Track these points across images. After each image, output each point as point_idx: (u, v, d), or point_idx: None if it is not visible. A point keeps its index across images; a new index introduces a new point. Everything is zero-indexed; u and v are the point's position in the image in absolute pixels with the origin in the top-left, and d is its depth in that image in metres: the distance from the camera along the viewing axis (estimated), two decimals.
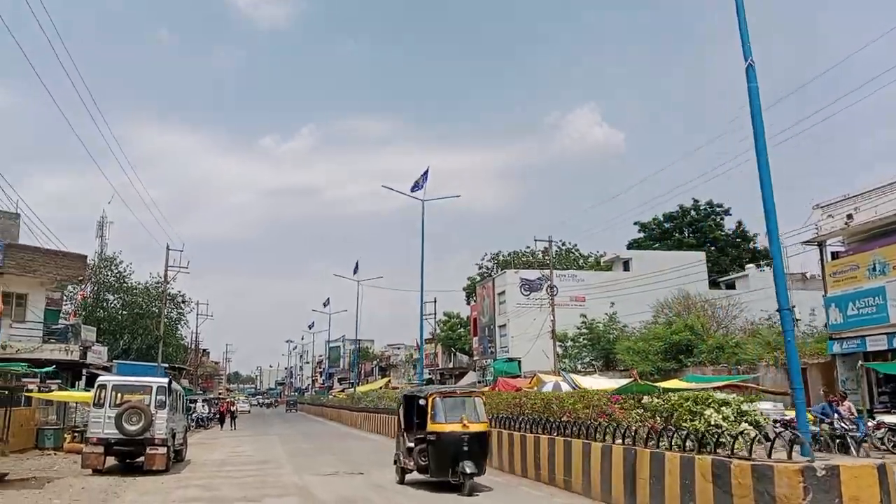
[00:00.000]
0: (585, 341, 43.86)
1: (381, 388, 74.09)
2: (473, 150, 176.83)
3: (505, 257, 68.99)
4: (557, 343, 45.72)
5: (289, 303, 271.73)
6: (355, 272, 50.62)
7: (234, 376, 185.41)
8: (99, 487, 14.87)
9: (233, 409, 45.39)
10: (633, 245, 59.63)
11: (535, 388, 30.13)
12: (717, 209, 58.26)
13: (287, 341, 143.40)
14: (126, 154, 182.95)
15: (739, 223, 57.91)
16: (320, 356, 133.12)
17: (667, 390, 26.38)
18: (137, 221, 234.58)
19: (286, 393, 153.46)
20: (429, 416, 13.19)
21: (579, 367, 44.06)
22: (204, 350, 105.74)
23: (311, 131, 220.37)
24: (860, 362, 23.79)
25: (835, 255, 26.51)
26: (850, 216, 25.01)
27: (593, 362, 43.16)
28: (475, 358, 58.80)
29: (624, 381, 32.69)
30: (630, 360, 35.30)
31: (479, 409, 13.63)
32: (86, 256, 31.02)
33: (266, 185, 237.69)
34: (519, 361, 49.66)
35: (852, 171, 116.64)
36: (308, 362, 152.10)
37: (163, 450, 17.24)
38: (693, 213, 58.40)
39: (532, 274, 52.58)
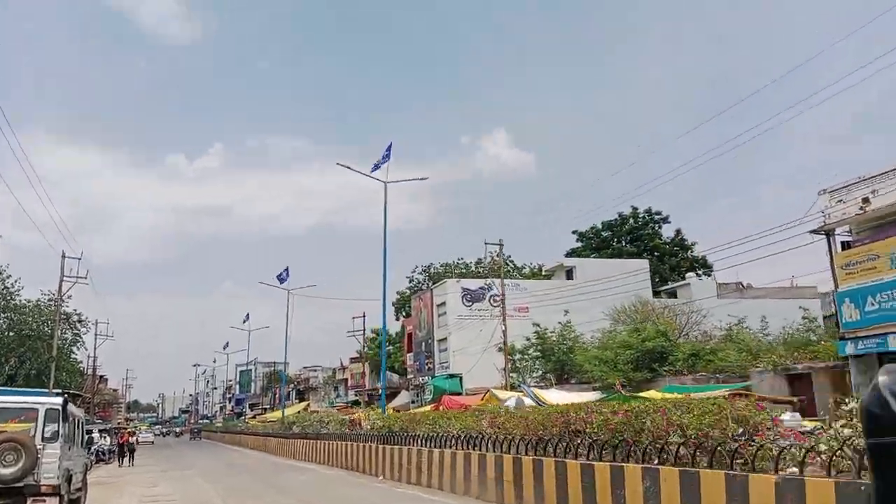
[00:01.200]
0: (536, 353, 39.86)
1: (299, 412, 68.29)
2: (389, 169, 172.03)
3: (437, 269, 64.65)
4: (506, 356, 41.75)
5: (196, 327, 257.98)
6: (283, 280, 44.93)
7: (134, 405, 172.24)
8: None
9: (131, 440, 37.17)
10: (571, 254, 56.50)
11: (492, 406, 26.15)
12: (656, 217, 55.91)
13: (194, 366, 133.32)
14: (22, 170, 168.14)
15: (678, 231, 55.78)
16: (230, 381, 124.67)
17: (649, 401, 22.69)
18: (34, 243, 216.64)
19: (192, 421, 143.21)
20: None
21: (529, 381, 40.12)
22: (101, 377, 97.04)
23: (221, 149, 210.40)
24: None
25: (845, 246, 23.48)
26: (866, 200, 22.03)
27: (546, 375, 39.15)
28: (409, 376, 53.88)
29: (589, 395, 28.91)
30: (597, 371, 31.50)
31: None
32: None
33: (173, 205, 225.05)
34: (461, 377, 45.40)
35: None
36: (216, 388, 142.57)
37: (53, 501, 11.76)
38: (632, 220, 55.83)
39: (474, 283, 48.47)
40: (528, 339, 40.36)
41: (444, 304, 48.30)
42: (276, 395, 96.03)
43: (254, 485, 19.50)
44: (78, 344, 55.78)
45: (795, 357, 25.04)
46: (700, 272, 51.84)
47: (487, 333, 43.58)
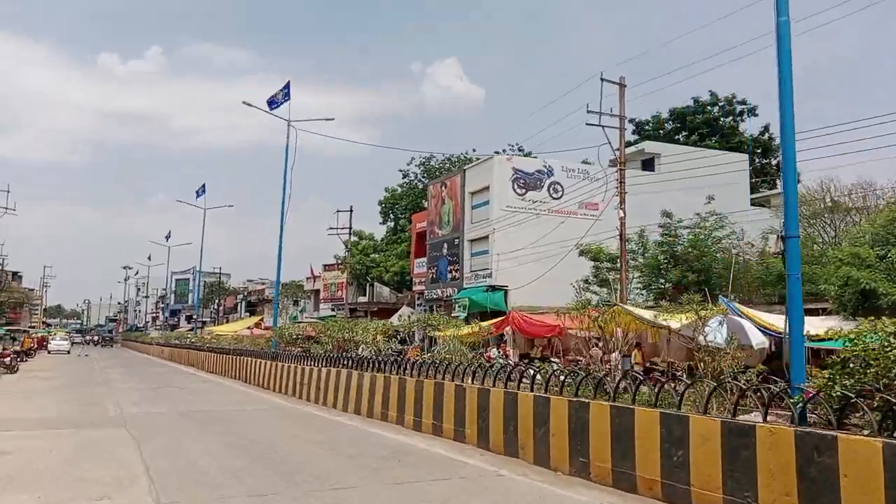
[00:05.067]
0: (661, 259, 24.52)
1: (250, 327, 53.50)
2: (334, 90, 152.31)
3: (439, 163, 48.45)
4: (591, 261, 26.45)
5: (127, 238, 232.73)
6: (199, 196, 27.53)
7: (57, 310, 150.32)
8: None
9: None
10: (629, 145, 41.50)
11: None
12: (739, 107, 41.11)
13: (124, 267, 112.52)
14: None
15: (766, 128, 41.07)
16: (163, 290, 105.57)
17: None
18: None
19: (120, 331, 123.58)
20: None
21: (636, 298, 25.09)
22: (15, 273, 78.46)
23: (158, 53, 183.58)
24: None
25: None
26: None
27: (666, 290, 23.86)
28: (419, 287, 38.18)
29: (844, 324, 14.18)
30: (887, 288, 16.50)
31: None
32: None
33: (103, 107, 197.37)
34: (505, 291, 30.56)
35: None
36: (147, 297, 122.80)
37: None
38: (709, 109, 40.91)
39: (529, 164, 32.87)
40: (639, 237, 25.23)
41: (484, 189, 32.75)
42: (221, 307, 78.90)
43: None
44: None
45: None
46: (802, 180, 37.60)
47: (548, 235, 28.69)
